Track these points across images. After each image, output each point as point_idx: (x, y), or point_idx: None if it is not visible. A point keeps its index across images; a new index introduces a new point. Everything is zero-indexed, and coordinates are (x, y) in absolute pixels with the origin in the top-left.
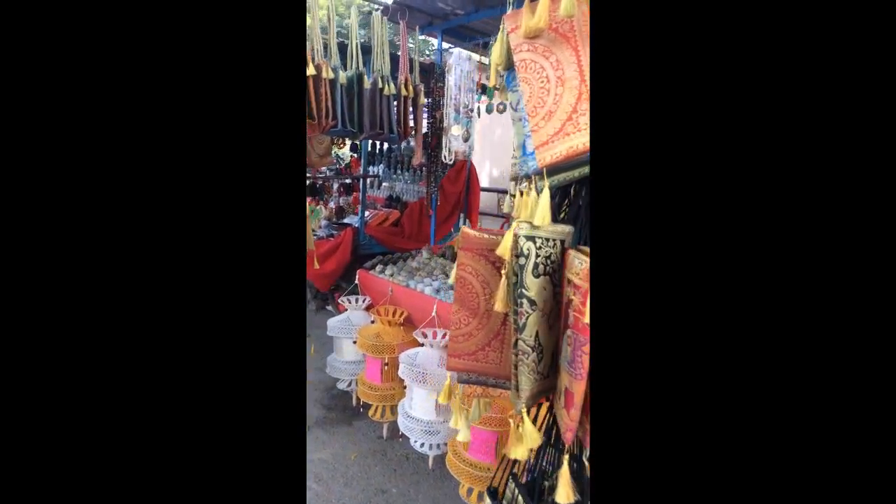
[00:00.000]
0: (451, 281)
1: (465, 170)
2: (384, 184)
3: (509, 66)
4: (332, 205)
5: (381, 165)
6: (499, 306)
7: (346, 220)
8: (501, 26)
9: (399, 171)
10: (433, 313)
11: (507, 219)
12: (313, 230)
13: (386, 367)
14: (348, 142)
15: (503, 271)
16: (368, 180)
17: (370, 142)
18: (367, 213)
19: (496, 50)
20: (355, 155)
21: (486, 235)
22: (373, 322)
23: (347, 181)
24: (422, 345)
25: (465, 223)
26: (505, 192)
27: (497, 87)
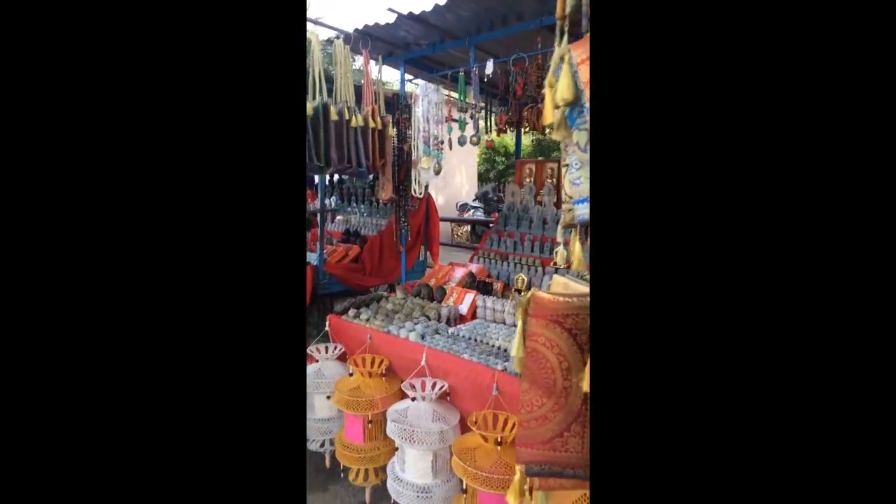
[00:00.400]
0: (514, 353)
1: (423, 201)
2: (338, 217)
3: (573, 101)
4: None
5: (334, 198)
6: (588, 385)
7: None
8: (566, 57)
9: (354, 204)
10: (422, 362)
11: (476, 251)
12: None
13: (370, 425)
14: None
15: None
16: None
17: (327, 174)
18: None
19: (563, 85)
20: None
21: (560, 299)
22: (351, 375)
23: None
24: (413, 399)
25: (425, 255)
26: (454, 220)
27: (554, 125)
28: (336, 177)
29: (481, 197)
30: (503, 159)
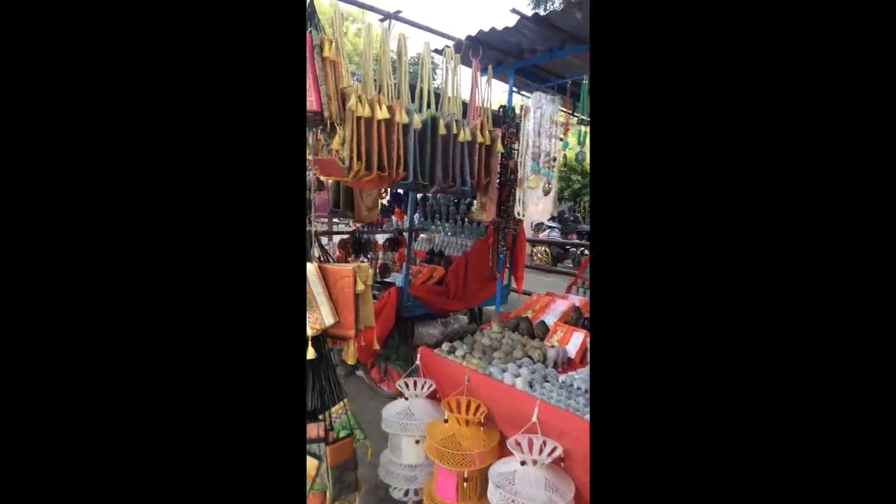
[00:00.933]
0: None
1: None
2: (421, 235)
3: None
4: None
5: (417, 215)
6: None
7: (388, 279)
8: None
9: (438, 222)
10: (534, 418)
11: (574, 280)
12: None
13: (465, 484)
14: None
15: None
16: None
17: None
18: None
19: None
20: (383, 203)
21: None
22: (446, 422)
23: (389, 236)
24: (523, 463)
25: (509, 280)
26: (534, 241)
27: None
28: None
29: (557, 216)
30: (579, 177)
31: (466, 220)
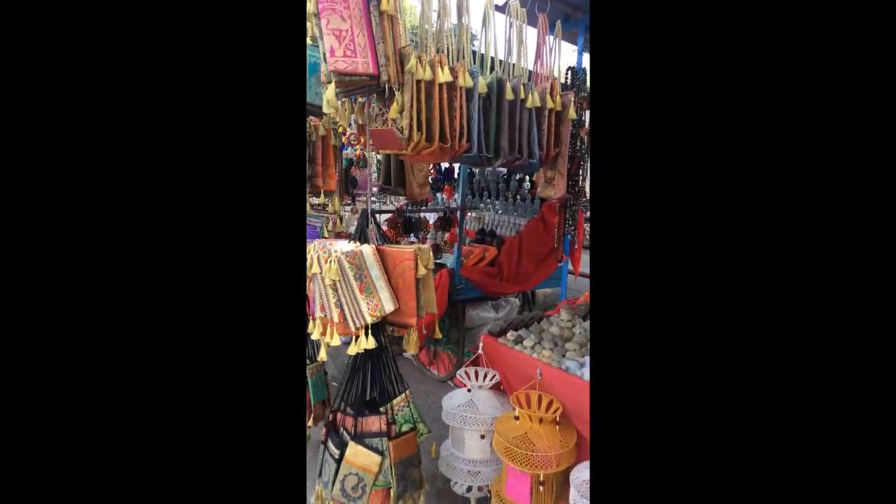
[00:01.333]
0: None
1: None
2: (470, 214)
3: None
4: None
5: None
6: None
7: (439, 260)
8: None
9: (488, 199)
10: None
11: None
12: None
13: (541, 488)
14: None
15: None
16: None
17: (467, 167)
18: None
19: None
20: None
21: None
22: (516, 418)
23: (439, 214)
24: None
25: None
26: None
27: None
28: (466, 169)
29: None
30: None
31: (518, 196)
